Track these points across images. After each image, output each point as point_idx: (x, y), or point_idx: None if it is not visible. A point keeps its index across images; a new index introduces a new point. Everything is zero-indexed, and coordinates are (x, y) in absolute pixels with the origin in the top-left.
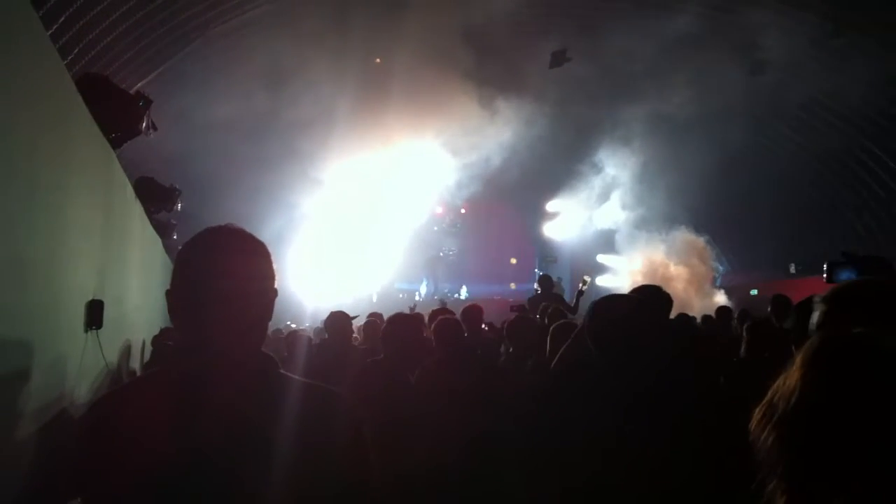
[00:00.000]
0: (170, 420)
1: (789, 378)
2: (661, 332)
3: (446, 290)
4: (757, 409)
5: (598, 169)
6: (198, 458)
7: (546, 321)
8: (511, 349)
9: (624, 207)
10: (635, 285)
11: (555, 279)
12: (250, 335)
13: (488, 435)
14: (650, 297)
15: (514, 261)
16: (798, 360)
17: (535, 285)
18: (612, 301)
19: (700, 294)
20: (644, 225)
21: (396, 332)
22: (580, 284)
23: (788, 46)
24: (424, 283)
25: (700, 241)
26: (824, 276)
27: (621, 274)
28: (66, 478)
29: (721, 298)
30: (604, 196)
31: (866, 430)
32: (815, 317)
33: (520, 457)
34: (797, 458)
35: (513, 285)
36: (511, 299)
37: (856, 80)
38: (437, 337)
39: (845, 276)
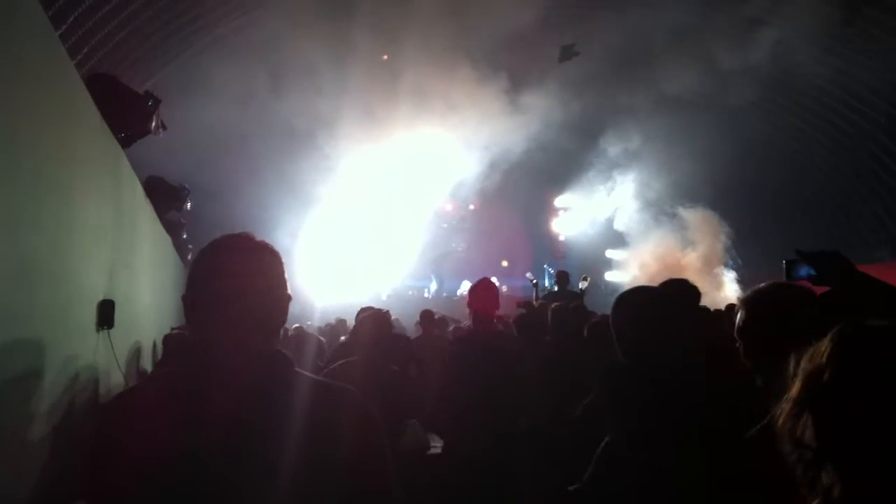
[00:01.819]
0: (177, 422)
1: (824, 370)
2: (677, 332)
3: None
4: (785, 402)
5: (605, 162)
6: (201, 460)
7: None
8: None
9: (632, 197)
10: (643, 278)
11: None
12: (259, 333)
13: (502, 437)
14: (673, 293)
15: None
16: (824, 351)
17: (553, 282)
18: (630, 297)
19: (710, 280)
20: (650, 209)
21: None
22: (580, 283)
23: (800, 35)
24: (434, 281)
25: (712, 214)
26: (784, 273)
27: (630, 267)
28: (79, 478)
29: (732, 288)
30: (611, 187)
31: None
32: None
33: (532, 457)
34: (841, 450)
35: (504, 288)
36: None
37: (867, 69)
38: (472, 306)
39: (804, 272)
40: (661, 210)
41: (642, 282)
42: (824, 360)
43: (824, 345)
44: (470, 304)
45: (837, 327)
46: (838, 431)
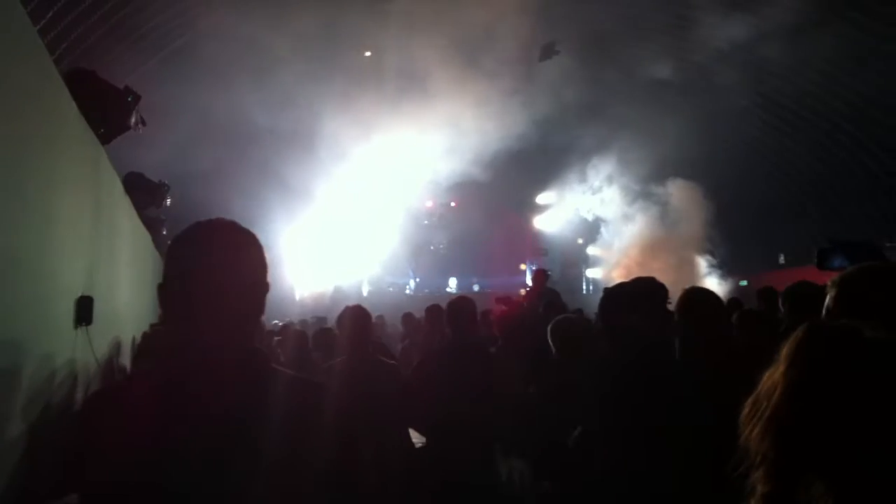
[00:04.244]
0: (157, 420)
1: (774, 372)
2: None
3: (427, 289)
4: (747, 402)
5: (585, 158)
6: (181, 457)
7: (542, 311)
8: (500, 342)
9: (612, 188)
10: (623, 271)
11: (544, 269)
12: (239, 330)
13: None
14: (645, 292)
15: (523, 266)
16: (783, 353)
17: (529, 280)
18: (623, 291)
19: (688, 272)
20: (629, 195)
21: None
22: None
23: (773, 35)
24: (412, 278)
25: (692, 186)
26: (816, 262)
27: (610, 262)
28: (57, 475)
29: (711, 282)
30: (591, 183)
31: (845, 422)
32: (827, 300)
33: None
34: (780, 452)
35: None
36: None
37: (840, 68)
38: (448, 319)
39: (837, 262)
40: (640, 194)
41: (621, 276)
42: (782, 363)
43: (785, 347)
44: (448, 323)
45: (800, 328)
46: (786, 438)
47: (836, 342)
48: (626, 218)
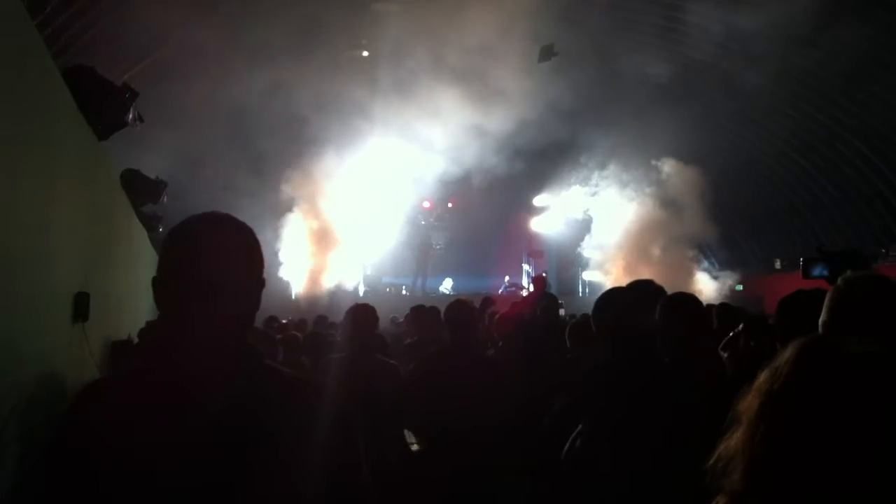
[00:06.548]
0: (147, 419)
1: (783, 391)
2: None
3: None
4: (743, 414)
5: (582, 160)
6: (173, 457)
7: (539, 313)
8: (501, 343)
9: (604, 184)
10: (620, 270)
11: (542, 274)
12: (234, 327)
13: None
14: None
15: (507, 279)
16: (788, 370)
17: (530, 285)
18: (608, 300)
19: (682, 271)
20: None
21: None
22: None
23: (767, 37)
24: (417, 278)
25: (690, 169)
26: (801, 272)
27: (605, 262)
28: (49, 475)
29: (704, 281)
30: (584, 178)
31: (816, 438)
32: (823, 314)
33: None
34: (751, 464)
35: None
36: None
37: (837, 73)
38: (447, 321)
39: (817, 271)
40: (632, 181)
41: (619, 275)
42: (784, 380)
43: (784, 361)
44: (446, 326)
45: (799, 342)
46: (784, 462)
47: (817, 357)
48: (621, 209)
